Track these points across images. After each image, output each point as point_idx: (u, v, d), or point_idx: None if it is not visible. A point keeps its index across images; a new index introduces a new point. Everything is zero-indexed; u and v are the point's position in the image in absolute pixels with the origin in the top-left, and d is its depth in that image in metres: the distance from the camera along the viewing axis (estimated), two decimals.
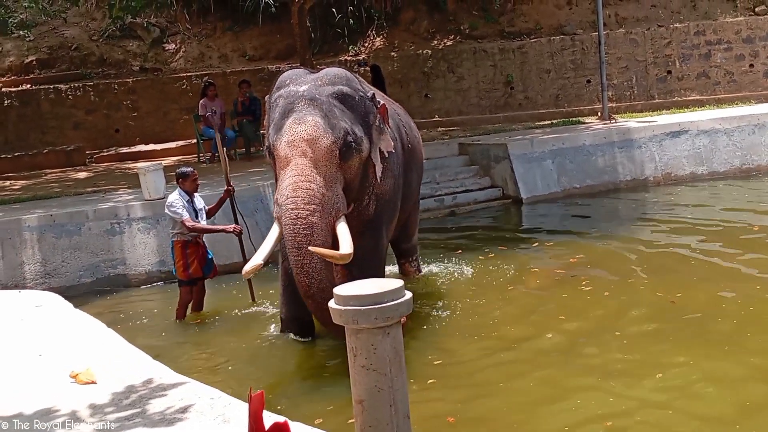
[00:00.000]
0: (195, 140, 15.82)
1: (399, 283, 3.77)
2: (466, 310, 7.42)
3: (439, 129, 17.18)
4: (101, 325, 4.95)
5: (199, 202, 7.97)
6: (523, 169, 12.84)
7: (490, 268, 8.83)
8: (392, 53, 18.61)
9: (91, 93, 17.79)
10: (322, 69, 6.70)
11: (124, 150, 17.28)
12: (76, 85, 17.90)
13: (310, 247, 5.64)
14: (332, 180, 5.98)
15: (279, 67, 18.50)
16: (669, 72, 18.34)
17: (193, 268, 7.83)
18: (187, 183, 7.79)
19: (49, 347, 4.57)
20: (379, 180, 6.57)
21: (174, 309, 8.05)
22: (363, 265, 6.65)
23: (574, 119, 16.62)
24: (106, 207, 10.05)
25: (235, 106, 15.30)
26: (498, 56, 18.41)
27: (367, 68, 15.75)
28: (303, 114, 6.03)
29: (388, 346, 3.67)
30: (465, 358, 6.28)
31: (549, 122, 16.69)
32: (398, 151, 7.08)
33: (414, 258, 8.68)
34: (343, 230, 5.88)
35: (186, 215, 7.62)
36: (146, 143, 17.62)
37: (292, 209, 5.77)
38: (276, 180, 6.28)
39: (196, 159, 15.47)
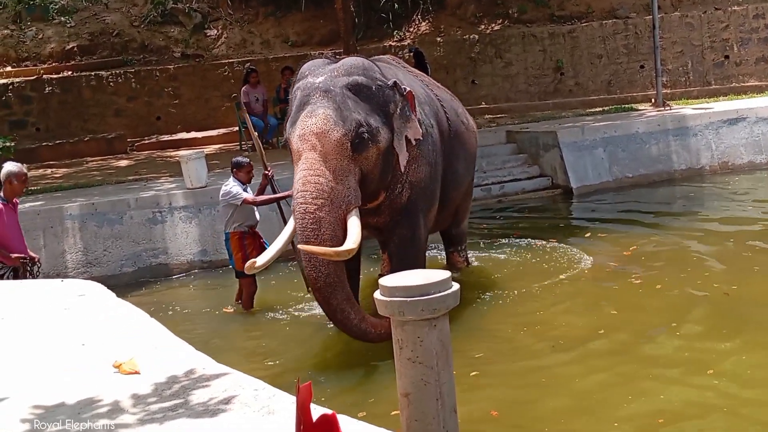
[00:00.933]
0: (237, 128, 15.92)
1: (446, 274, 3.78)
2: (513, 302, 7.41)
3: (486, 116, 17.11)
4: (144, 314, 5.02)
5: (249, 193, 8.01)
6: (574, 157, 12.75)
7: (540, 259, 8.80)
8: (438, 38, 18.56)
9: (132, 80, 17.99)
10: (343, 58, 6.73)
11: (165, 138, 17.46)
12: (117, 71, 18.11)
13: (300, 246, 5.79)
14: (343, 173, 6.06)
15: (322, 53, 18.52)
16: (726, 57, 18.04)
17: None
18: (242, 173, 7.88)
19: (93, 337, 4.65)
20: (403, 169, 6.57)
21: (226, 299, 8.22)
22: (401, 255, 6.70)
23: (626, 106, 16.43)
24: (147, 196, 10.18)
25: (277, 93, 15.38)
26: (547, 41, 18.27)
27: (410, 54, 15.71)
28: (315, 107, 6.15)
29: (434, 339, 3.69)
30: (510, 351, 6.28)
31: (600, 109, 16.52)
32: (434, 137, 7.06)
33: (462, 247, 8.69)
34: (352, 224, 5.98)
35: (245, 195, 7.73)
36: (187, 131, 17.78)
37: (300, 203, 5.94)
38: None
39: (238, 147, 15.57)
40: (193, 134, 17.51)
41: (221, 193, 7.84)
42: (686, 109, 14.61)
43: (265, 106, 15.11)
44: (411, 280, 3.77)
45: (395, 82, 6.55)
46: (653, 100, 16.01)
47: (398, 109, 6.51)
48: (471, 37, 18.42)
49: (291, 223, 6.20)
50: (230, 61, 18.53)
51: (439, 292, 3.69)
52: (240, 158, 8.00)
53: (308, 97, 6.24)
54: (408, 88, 6.62)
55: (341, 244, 5.87)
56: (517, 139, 13.90)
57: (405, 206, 6.76)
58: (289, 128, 6.29)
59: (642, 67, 18.07)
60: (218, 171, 12.05)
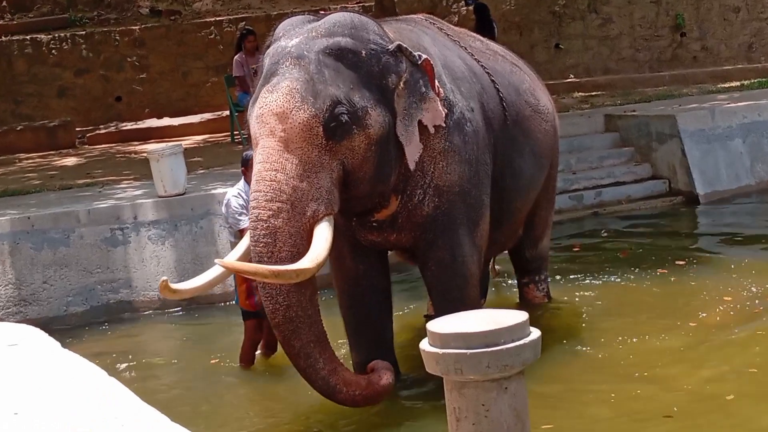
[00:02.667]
0: (227, 112, 16.01)
1: (522, 316, 3.78)
2: (611, 355, 7.37)
3: (576, 94, 17.07)
4: (99, 371, 5.05)
5: None
6: (700, 152, 12.68)
7: (653, 294, 8.78)
8: None
9: (83, 46, 18.17)
10: (327, 14, 6.75)
11: (129, 126, 17.61)
12: (62, 34, 18.28)
13: (231, 264, 5.93)
14: (311, 168, 6.05)
15: (345, 8, 18.59)
16: None
17: (261, 295, 7.84)
18: (249, 173, 7.77)
19: (28, 403, 4.67)
20: (412, 165, 6.58)
21: (215, 348, 8.22)
22: (441, 288, 6.71)
23: None
24: (103, 207, 10.25)
25: None
26: None
27: (470, 8, 15.76)
28: (281, 78, 6.17)
29: (505, 407, 3.68)
30: (601, 418, 6.30)
31: (738, 84, 16.43)
32: (475, 125, 7.01)
33: (542, 277, 8.66)
34: (319, 236, 5.97)
35: (245, 223, 7.53)
36: (159, 116, 17.90)
37: (252, 209, 5.99)
38: None
39: (229, 138, 15.65)
40: (166, 121, 17.62)
41: (224, 203, 7.84)
42: None
43: None
44: (472, 324, 3.77)
45: (399, 46, 6.48)
46: None
47: (402, 83, 6.46)
48: None
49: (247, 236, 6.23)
50: (218, 19, 18.67)
51: (513, 341, 3.68)
52: (249, 152, 7.92)
53: (276, 65, 6.25)
54: (423, 56, 6.56)
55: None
56: (619, 126, 13.85)
57: (435, 220, 6.73)
58: (250, 108, 6.33)
59: None
60: (202, 172, 12.10)
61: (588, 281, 9.28)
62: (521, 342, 3.70)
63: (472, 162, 6.90)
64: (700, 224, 11.88)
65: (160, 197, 10.32)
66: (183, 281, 9.74)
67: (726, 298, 8.44)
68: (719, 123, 12.85)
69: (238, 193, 7.71)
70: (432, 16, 8.16)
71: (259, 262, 5.84)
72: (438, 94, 6.58)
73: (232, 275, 7.82)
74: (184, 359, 8.52)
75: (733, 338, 7.60)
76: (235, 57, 15.21)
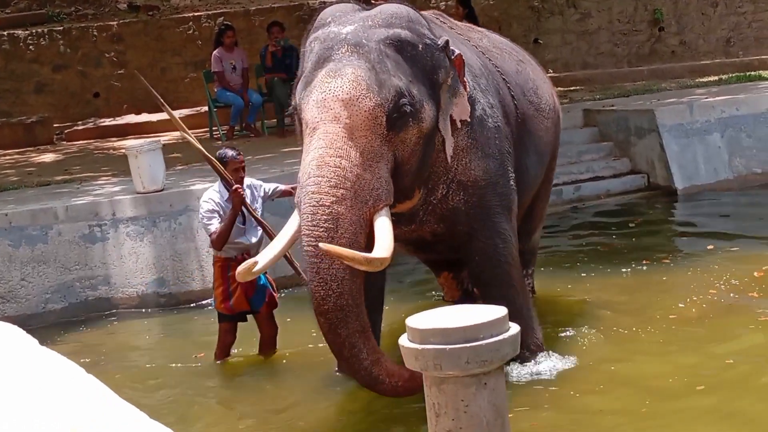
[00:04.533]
0: (206, 108, 15.98)
1: (502, 311, 3.77)
2: (592, 348, 7.40)
3: (555, 89, 17.07)
4: (78, 369, 5.02)
5: (254, 198, 7.85)
6: (679, 147, 12.72)
7: (630, 287, 8.83)
8: None
9: (61, 42, 18.09)
10: (378, 4, 6.74)
11: (107, 122, 17.54)
12: (39, 30, 18.19)
13: (321, 245, 5.69)
14: (373, 157, 6.04)
15: (324, 3, 18.54)
16: None
17: (237, 297, 7.76)
18: (228, 171, 7.66)
19: (3, 402, 4.65)
20: (449, 160, 6.61)
21: (197, 345, 8.24)
22: (488, 277, 6.74)
23: (753, 74, 16.37)
24: (82, 203, 10.21)
25: (262, 58, 15.42)
26: None
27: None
28: (341, 65, 6.12)
29: (485, 402, 3.68)
30: (575, 422, 6.27)
31: (716, 78, 16.47)
32: (497, 121, 7.07)
33: (529, 272, 8.68)
34: (382, 227, 5.94)
35: (214, 226, 7.53)
36: (138, 112, 17.83)
37: (312, 193, 5.87)
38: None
39: (208, 134, 15.62)
40: (145, 117, 17.54)
41: (200, 203, 7.78)
42: None
43: (245, 76, 15.15)
44: (452, 319, 3.76)
45: (448, 42, 6.58)
46: None
47: (449, 79, 6.55)
48: None
49: (294, 219, 6.12)
50: (196, 14, 18.61)
51: (492, 336, 3.68)
52: (226, 150, 7.83)
53: (331, 51, 6.21)
54: (457, 51, 6.63)
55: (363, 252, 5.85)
56: (598, 121, 13.87)
57: (467, 212, 6.76)
58: (301, 91, 6.24)
59: None
60: (180, 168, 12.07)
61: (569, 275, 9.30)
62: (501, 337, 3.70)
63: (496, 156, 6.97)
64: (679, 218, 11.90)
65: (138, 193, 10.29)
66: (161, 278, 9.84)
67: (708, 291, 8.50)
68: (697, 117, 12.88)
69: (209, 198, 7.66)
70: (442, 13, 8.19)
71: (316, 246, 5.74)
72: (466, 89, 6.66)
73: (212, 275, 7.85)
74: (164, 357, 8.49)
75: (712, 331, 7.64)
76: (214, 52, 15.21)
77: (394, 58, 6.25)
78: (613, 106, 14.20)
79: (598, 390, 6.71)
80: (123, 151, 11.65)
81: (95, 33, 18.18)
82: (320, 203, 5.81)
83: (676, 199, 12.45)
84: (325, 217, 5.80)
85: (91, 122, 17.67)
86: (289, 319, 8.41)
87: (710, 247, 9.97)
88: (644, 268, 9.40)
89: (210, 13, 18.57)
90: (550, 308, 8.48)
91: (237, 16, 18.04)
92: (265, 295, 7.90)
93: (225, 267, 7.74)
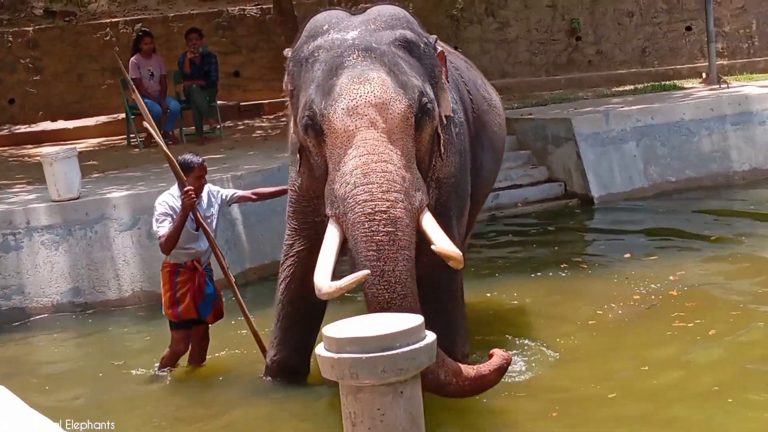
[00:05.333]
0: (123, 115, 15.83)
1: (417, 319, 3.78)
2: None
3: None
4: None
5: (211, 204, 7.72)
6: (595, 155, 12.84)
7: (549, 293, 8.93)
8: None
9: None
10: (367, 7, 6.74)
11: (21, 129, 17.33)
12: None
13: (434, 247, 5.74)
14: (410, 158, 6.05)
15: (243, 10, 18.52)
16: None
17: (185, 305, 7.55)
18: (189, 179, 7.46)
19: None
20: (442, 156, 6.64)
21: (112, 354, 8.12)
22: (434, 277, 6.66)
23: (667, 83, 16.60)
24: None
25: (180, 65, 15.31)
26: None
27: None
28: (362, 70, 6.07)
29: (401, 411, 3.68)
30: (496, 426, 6.31)
31: (632, 87, 16.66)
32: (460, 117, 7.11)
33: None
34: (432, 224, 5.95)
35: (164, 230, 7.33)
36: (53, 119, 17.66)
37: (365, 201, 5.78)
38: (326, 165, 6.19)
39: (125, 141, 15.48)
40: (61, 124, 17.39)
41: (154, 207, 7.57)
42: (750, 87, 14.78)
43: (163, 83, 15.04)
44: (368, 328, 3.76)
45: (436, 39, 6.65)
46: (704, 75, 16.18)
47: (444, 77, 6.62)
48: None
49: (334, 233, 5.97)
50: (114, 20, 18.45)
51: (408, 345, 3.68)
52: (188, 156, 7.61)
53: (342, 58, 6.15)
54: (440, 48, 6.69)
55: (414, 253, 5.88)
56: (516, 129, 13.93)
57: (432, 209, 6.74)
58: (322, 100, 6.09)
59: (689, 29, 18.28)
60: (97, 176, 11.95)
61: (487, 283, 9.32)
62: (417, 346, 3.71)
63: (462, 153, 7.01)
64: (596, 226, 12.01)
65: (53, 201, 10.17)
66: (77, 287, 9.73)
67: (625, 297, 8.60)
68: (613, 126, 13.02)
69: (163, 201, 7.47)
70: None
71: (378, 250, 5.70)
72: (447, 83, 6.74)
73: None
74: (80, 366, 8.42)
75: (628, 337, 7.73)
76: (131, 59, 15.06)
77: (405, 58, 6.27)
78: (530, 114, 14.29)
79: (513, 396, 6.74)
80: (38, 158, 11.54)
81: (10, 39, 17.97)
82: (376, 210, 5.75)
83: (593, 206, 12.56)
84: (384, 222, 5.74)
85: (6, 129, 17.46)
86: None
87: (627, 255, 10.07)
88: (563, 275, 9.49)
89: (128, 19, 18.42)
90: (469, 316, 8.52)
91: (155, 23, 17.91)
92: (214, 304, 7.72)
93: (173, 272, 7.54)
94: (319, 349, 3.82)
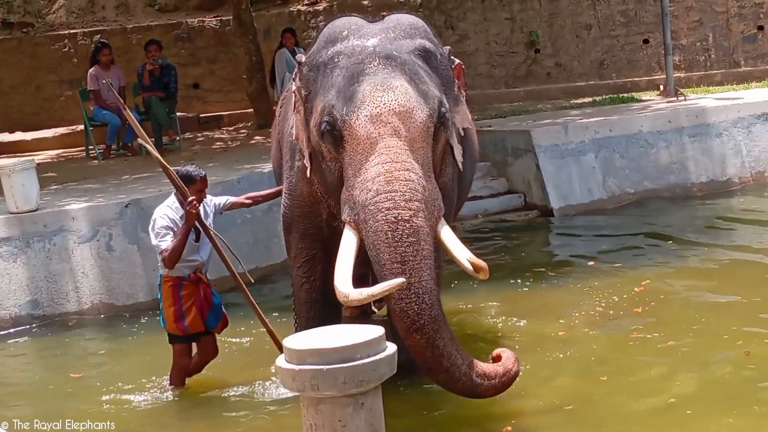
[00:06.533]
0: (82, 126, 15.75)
1: (378, 331, 3.78)
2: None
3: None
4: None
5: (206, 214, 7.51)
6: (554, 167, 12.88)
7: (510, 304, 8.96)
8: (365, 1, 18.65)
9: None
10: (383, 16, 6.79)
11: None
12: None
13: (475, 260, 5.87)
14: (429, 167, 6.13)
15: (202, 22, 18.49)
16: (760, 28, 18.46)
17: (192, 317, 7.41)
18: (191, 191, 7.26)
19: None
20: (460, 166, 6.72)
21: (70, 367, 8.05)
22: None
23: (625, 96, 16.66)
24: None
25: (140, 77, 15.26)
26: (517, 5, 18.50)
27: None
28: (384, 77, 6.10)
29: (362, 422, 3.68)
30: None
31: (590, 100, 16.73)
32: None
33: None
34: (450, 235, 6.05)
35: (166, 243, 7.18)
36: (11, 131, 17.56)
37: (388, 209, 5.82)
38: (341, 171, 6.22)
39: (84, 153, 15.41)
40: (19, 135, 17.30)
41: (152, 218, 7.39)
42: (707, 99, 14.88)
43: (122, 95, 14.97)
44: (329, 340, 3.76)
45: (450, 51, 6.69)
46: (662, 88, 16.28)
47: (456, 87, 6.67)
48: (411, 0, 18.55)
49: (351, 239, 5.98)
50: (72, 32, 18.37)
51: (369, 356, 3.68)
52: (190, 168, 7.41)
53: (362, 65, 6.19)
54: (457, 60, 6.74)
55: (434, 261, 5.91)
56: None
57: None
58: (343, 106, 6.10)
59: (646, 41, 18.39)
60: (55, 188, 11.88)
61: (452, 293, 9.31)
62: (377, 357, 3.71)
63: (453, 164, 6.99)
64: (557, 237, 12.05)
65: (11, 213, 10.11)
66: (35, 299, 9.67)
67: (582, 307, 8.68)
68: (572, 138, 13.06)
69: (164, 215, 7.29)
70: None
71: (402, 262, 5.73)
72: (464, 96, 6.83)
73: (160, 296, 7.48)
74: (38, 378, 8.41)
75: (589, 346, 7.80)
76: (90, 70, 14.99)
77: (424, 68, 6.33)
78: (490, 126, 14.29)
79: (471, 408, 6.75)
80: None
81: None
82: (399, 218, 5.79)
83: (552, 218, 12.60)
84: (407, 232, 5.78)
85: None
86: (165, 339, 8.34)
87: (584, 264, 10.15)
88: (526, 288, 9.54)
89: (86, 30, 18.34)
90: None
91: (114, 34, 17.84)
92: (221, 314, 7.63)
93: (177, 286, 7.39)
94: (280, 361, 3.81)
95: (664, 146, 13.26)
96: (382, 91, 6.02)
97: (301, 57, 6.70)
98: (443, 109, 6.19)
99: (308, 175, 6.59)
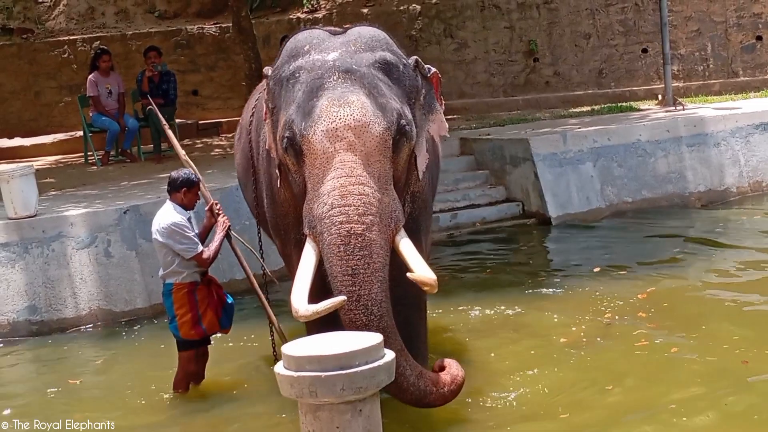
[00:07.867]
0: (81, 132, 15.74)
1: (377, 338, 3.79)
2: (478, 374, 7.43)
3: None
4: None
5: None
6: (552, 175, 12.89)
7: (508, 313, 8.95)
8: (364, 10, 18.65)
9: None
10: (348, 28, 6.78)
11: None
12: None
13: (422, 277, 5.86)
14: (387, 180, 6.13)
15: (202, 29, 18.49)
16: (759, 38, 18.48)
17: (208, 319, 7.45)
18: (190, 195, 7.42)
19: None
20: (421, 175, 6.69)
21: (70, 374, 8.04)
22: (401, 294, 6.67)
23: (624, 105, 16.70)
24: None
25: (139, 83, 15.24)
26: (516, 14, 18.50)
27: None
28: (342, 92, 6.12)
29: (359, 429, 3.68)
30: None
31: (589, 109, 16.74)
32: (428, 135, 7.16)
33: None
34: (408, 248, 6.05)
35: (200, 247, 7.28)
36: (10, 136, 17.52)
37: (341, 223, 5.87)
38: (305, 183, 6.24)
39: (83, 159, 15.40)
40: (18, 141, 17.27)
41: (159, 226, 7.33)
42: (705, 109, 14.90)
43: (122, 101, 14.98)
44: (327, 346, 3.76)
45: (417, 61, 6.68)
46: (660, 97, 16.29)
47: (422, 97, 6.67)
48: (411, 8, 18.56)
49: (311, 252, 6.03)
50: (72, 38, 18.36)
51: (368, 363, 3.69)
52: (187, 171, 7.52)
53: (322, 79, 6.21)
54: (433, 69, 6.76)
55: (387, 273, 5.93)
56: (474, 149, 14.00)
57: (405, 225, 6.73)
58: (302, 120, 6.15)
59: (645, 51, 18.40)
60: (54, 193, 11.87)
61: (451, 301, 9.32)
62: (376, 364, 3.72)
63: (432, 169, 7.09)
64: (555, 245, 12.05)
65: (10, 219, 10.10)
66: (33, 305, 9.66)
67: (584, 314, 8.67)
68: (570, 147, 13.07)
69: (180, 221, 7.27)
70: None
71: (353, 274, 5.78)
72: (442, 105, 6.83)
73: (169, 304, 7.42)
74: (36, 384, 8.38)
75: (592, 353, 7.80)
76: (89, 77, 14.99)
77: (384, 80, 6.33)
78: (489, 135, 14.31)
79: (472, 412, 6.76)
80: None
81: None
82: (352, 232, 5.84)
83: (551, 226, 12.60)
84: (359, 245, 5.82)
85: None
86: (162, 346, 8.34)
87: (582, 272, 10.14)
88: (527, 294, 9.52)
89: (86, 36, 18.33)
90: (435, 335, 8.53)
91: (113, 41, 17.84)
92: (233, 312, 7.72)
93: (191, 292, 7.40)
94: (278, 367, 3.81)
95: (663, 155, 13.28)
96: (338, 107, 6.06)
97: (268, 70, 6.73)
98: (403, 121, 6.19)
99: (278, 184, 6.63)
